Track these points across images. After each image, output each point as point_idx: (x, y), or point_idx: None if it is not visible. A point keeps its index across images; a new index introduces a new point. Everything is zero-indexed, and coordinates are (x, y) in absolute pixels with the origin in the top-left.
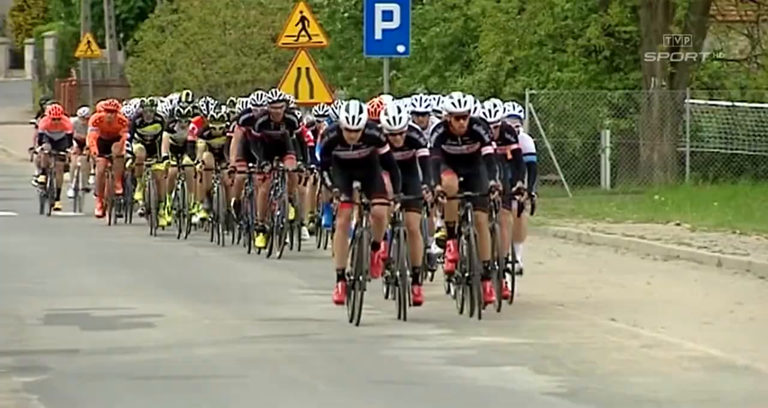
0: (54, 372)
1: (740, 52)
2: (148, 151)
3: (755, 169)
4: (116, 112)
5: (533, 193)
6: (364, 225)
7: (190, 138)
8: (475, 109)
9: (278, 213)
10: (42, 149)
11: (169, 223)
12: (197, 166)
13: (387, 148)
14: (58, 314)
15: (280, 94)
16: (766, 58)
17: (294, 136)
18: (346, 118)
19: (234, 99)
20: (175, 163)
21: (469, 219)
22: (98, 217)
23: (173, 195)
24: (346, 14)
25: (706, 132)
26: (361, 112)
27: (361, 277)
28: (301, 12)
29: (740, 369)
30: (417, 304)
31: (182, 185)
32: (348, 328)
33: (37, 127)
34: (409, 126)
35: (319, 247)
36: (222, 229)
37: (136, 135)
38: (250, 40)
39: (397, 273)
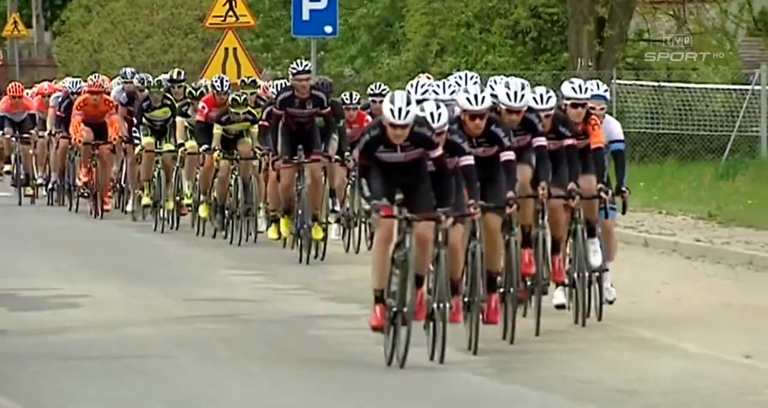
0: None
1: (666, 33)
2: (157, 137)
3: (681, 149)
4: (102, 93)
5: (623, 189)
6: (407, 245)
7: (198, 118)
8: (522, 95)
9: (300, 212)
10: (3, 134)
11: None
12: (215, 155)
13: (440, 151)
14: None
15: (306, 64)
16: (692, 39)
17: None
18: (391, 110)
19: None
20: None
21: (478, 233)
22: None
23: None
24: None
25: (632, 112)
26: (409, 103)
27: (405, 310)
28: None
29: (666, 348)
30: (490, 323)
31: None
32: (276, 308)
33: None
34: (420, 119)
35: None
36: (234, 225)
37: (144, 120)
38: (178, 21)
39: (434, 305)
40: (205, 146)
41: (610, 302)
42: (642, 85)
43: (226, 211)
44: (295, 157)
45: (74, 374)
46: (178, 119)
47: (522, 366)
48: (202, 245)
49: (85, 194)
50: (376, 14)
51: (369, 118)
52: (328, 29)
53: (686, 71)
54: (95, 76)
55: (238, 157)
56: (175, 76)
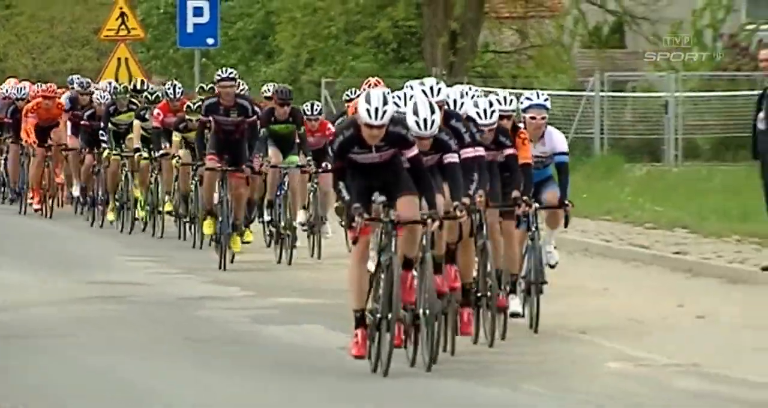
0: None
1: (511, 45)
2: (120, 140)
3: None
4: (55, 98)
5: (567, 202)
6: (393, 248)
7: (155, 124)
8: (462, 103)
9: (220, 219)
10: None
11: (141, 219)
12: (174, 161)
13: (416, 150)
14: None
15: (231, 71)
16: (533, 50)
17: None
18: (367, 110)
19: (206, 86)
20: (147, 155)
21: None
22: (36, 210)
23: (147, 190)
24: (161, 10)
25: None
26: (386, 103)
27: (390, 316)
28: (120, 8)
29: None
30: (464, 334)
31: (156, 179)
32: (165, 291)
33: None
34: (395, 119)
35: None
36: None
37: (110, 124)
38: (75, 33)
39: (420, 311)
40: (162, 152)
41: (552, 266)
42: (491, 92)
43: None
44: (218, 166)
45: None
46: (135, 122)
47: (504, 368)
48: (100, 234)
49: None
50: (252, 27)
51: (330, 127)
52: (210, 41)
53: (529, 79)
54: (45, 84)
55: (198, 163)
56: (138, 86)
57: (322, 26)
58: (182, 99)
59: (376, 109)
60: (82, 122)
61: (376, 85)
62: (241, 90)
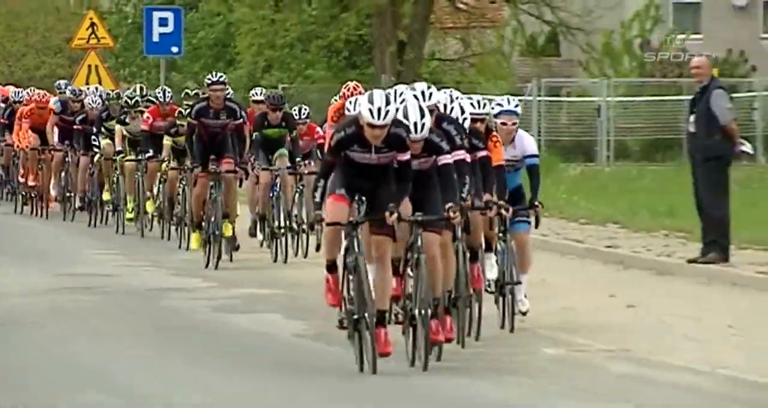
0: None
1: (454, 53)
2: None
3: None
4: (46, 106)
5: (536, 203)
6: (356, 249)
7: (143, 127)
8: (452, 108)
9: (213, 219)
10: None
11: (131, 220)
12: (164, 166)
13: (409, 155)
14: None
15: (221, 75)
16: (476, 58)
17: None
18: (370, 110)
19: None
20: (132, 157)
21: (419, 244)
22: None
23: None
24: (129, 20)
25: None
26: (388, 103)
27: (366, 315)
28: (91, 19)
29: None
30: (435, 343)
31: (141, 180)
32: (132, 283)
33: None
34: (397, 121)
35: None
36: (188, 229)
37: (102, 129)
38: (49, 42)
39: (416, 311)
40: (149, 154)
41: (524, 313)
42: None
43: (174, 218)
44: (211, 167)
45: None
46: (117, 127)
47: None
48: (74, 230)
49: (32, 195)
50: (213, 37)
51: (319, 130)
52: (175, 49)
53: (472, 85)
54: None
55: (186, 166)
56: (138, 92)
57: (279, 36)
58: (172, 104)
59: (379, 109)
60: (75, 127)
61: (355, 89)
62: (228, 94)
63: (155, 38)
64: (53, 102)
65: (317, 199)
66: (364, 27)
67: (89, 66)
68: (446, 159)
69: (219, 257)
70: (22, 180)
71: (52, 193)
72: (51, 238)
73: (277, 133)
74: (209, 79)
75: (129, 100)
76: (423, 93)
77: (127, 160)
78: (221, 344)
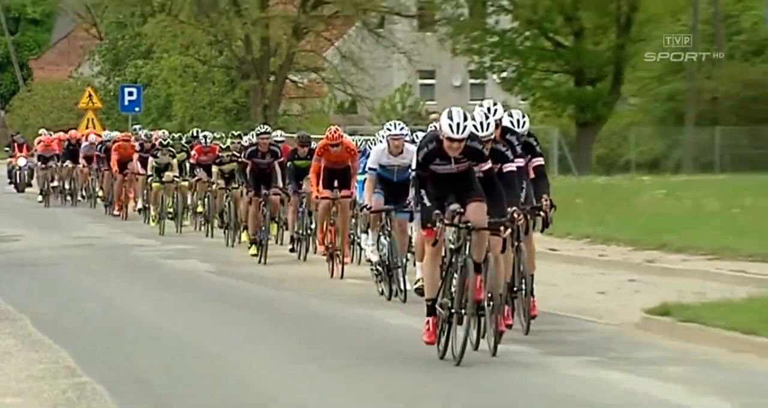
0: None
1: (297, 111)
2: (162, 171)
3: None
4: (129, 141)
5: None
6: (466, 252)
7: (191, 161)
8: (499, 124)
9: (263, 228)
10: (63, 164)
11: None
12: (214, 186)
13: (490, 164)
14: None
15: (266, 129)
16: (309, 114)
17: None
18: (450, 126)
19: (235, 132)
20: (158, 179)
21: (467, 250)
22: (116, 215)
23: (159, 203)
24: (111, 93)
25: None
26: (466, 119)
27: (463, 311)
28: (89, 92)
29: None
30: (502, 332)
31: (172, 196)
32: (115, 242)
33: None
34: (472, 135)
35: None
36: (232, 232)
37: (153, 162)
38: (66, 104)
39: (485, 302)
40: (197, 179)
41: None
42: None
43: (215, 220)
44: (263, 192)
45: (17, 273)
46: (150, 159)
47: (234, 270)
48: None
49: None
50: (158, 102)
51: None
52: (137, 109)
53: (307, 130)
54: (128, 130)
55: (231, 187)
56: (177, 136)
57: (196, 103)
58: (212, 145)
59: (458, 124)
60: (150, 160)
61: (336, 131)
62: (273, 140)
63: (126, 102)
64: (135, 142)
65: (426, 204)
66: (245, 97)
67: (88, 119)
68: (511, 167)
69: (266, 255)
70: (100, 192)
71: (139, 203)
72: (78, 221)
73: (304, 164)
74: (258, 130)
75: (163, 141)
76: (489, 109)
77: (156, 182)
78: (161, 274)
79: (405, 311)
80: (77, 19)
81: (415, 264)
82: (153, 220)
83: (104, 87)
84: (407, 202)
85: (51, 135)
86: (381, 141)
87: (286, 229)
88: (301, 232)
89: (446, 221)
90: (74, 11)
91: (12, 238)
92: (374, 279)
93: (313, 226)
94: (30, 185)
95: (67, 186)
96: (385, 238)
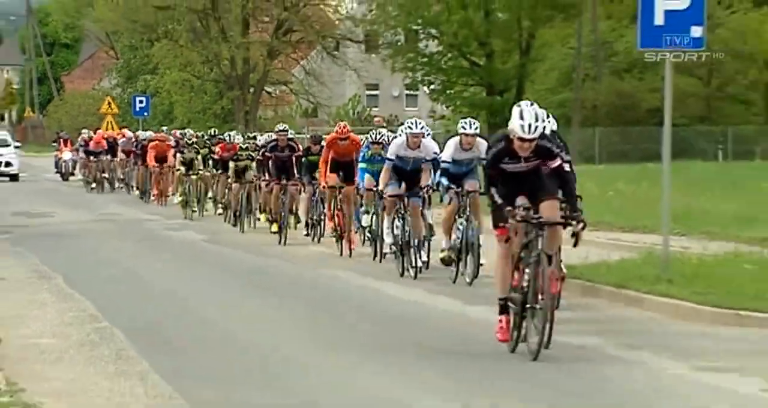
0: (22, 234)
1: (271, 117)
2: (190, 165)
3: None
4: (166, 141)
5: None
6: (540, 245)
7: (216, 156)
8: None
9: (282, 213)
10: (111, 159)
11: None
12: (229, 179)
13: (559, 161)
14: (29, 215)
15: (284, 127)
16: (279, 118)
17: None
18: (521, 126)
19: (258, 134)
20: (185, 171)
21: (540, 244)
22: (153, 201)
23: (182, 190)
24: (126, 101)
25: None
26: (537, 119)
27: (537, 305)
28: (108, 100)
29: None
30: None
31: (191, 186)
32: (130, 217)
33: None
34: (542, 134)
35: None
36: (242, 216)
37: (180, 156)
38: (90, 110)
39: (538, 304)
40: (221, 172)
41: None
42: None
43: (236, 210)
44: (282, 181)
45: (52, 241)
46: (178, 155)
47: (227, 238)
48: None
49: (143, 190)
50: (163, 108)
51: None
52: (146, 114)
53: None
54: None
55: (245, 180)
56: (207, 135)
57: (194, 108)
58: (234, 144)
59: (530, 125)
60: (177, 155)
61: (344, 127)
62: (290, 136)
63: (137, 108)
64: (172, 140)
65: (498, 201)
66: (230, 105)
67: (107, 121)
68: (566, 166)
69: (285, 238)
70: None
71: (177, 197)
72: (105, 202)
73: (316, 158)
74: (278, 128)
75: (188, 140)
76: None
77: (184, 175)
78: (162, 243)
79: (407, 285)
80: (99, 44)
81: (423, 242)
82: (182, 205)
83: (120, 96)
84: (420, 187)
85: (93, 134)
86: (400, 135)
87: (299, 221)
88: (314, 217)
89: (518, 218)
90: (96, 37)
91: (48, 215)
92: (393, 257)
93: (325, 211)
94: (73, 174)
95: (106, 175)
96: (399, 221)
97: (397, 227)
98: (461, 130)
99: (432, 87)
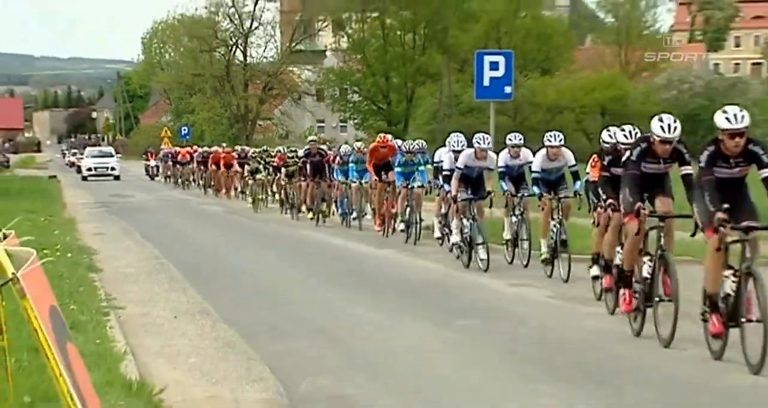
0: (116, 207)
1: (267, 129)
2: (254, 172)
3: None
4: (230, 153)
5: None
6: (662, 244)
7: (275, 164)
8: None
9: (316, 204)
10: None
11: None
12: (282, 181)
13: (690, 169)
14: (120, 196)
15: (314, 137)
16: (269, 132)
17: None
18: (661, 127)
19: (294, 148)
20: (254, 176)
21: (748, 254)
22: (218, 197)
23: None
24: (175, 129)
25: None
26: (676, 121)
27: (657, 299)
28: (166, 129)
29: None
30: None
31: (257, 186)
32: (177, 198)
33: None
34: (680, 139)
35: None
36: (295, 210)
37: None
38: (155, 134)
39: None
40: (279, 176)
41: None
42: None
43: (288, 203)
44: (317, 180)
45: (129, 212)
46: (245, 166)
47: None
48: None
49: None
50: (197, 132)
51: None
52: (188, 137)
53: (274, 143)
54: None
55: (293, 181)
56: (263, 150)
57: (216, 133)
58: (283, 155)
59: (669, 125)
60: (245, 167)
61: (384, 137)
62: (321, 146)
63: (182, 134)
64: (235, 154)
65: (711, 208)
66: (237, 132)
67: (165, 141)
68: (688, 170)
69: (318, 221)
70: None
71: (239, 189)
72: (169, 191)
73: (345, 167)
74: (310, 139)
75: (253, 154)
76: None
77: (256, 179)
78: (201, 215)
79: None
80: (160, 95)
81: (510, 242)
82: (250, 202)
83: (172, 127)
84: (486, 192)
85: (176, 150)
86: (454, 146)
87: (333, 205)
88: (346, 210)
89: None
90: (158, 92)
91: (130, 196)
92: (456, 253)
93: (353, 206)
94: (157, 175)
95: (187, 178)
96: (468, 221)
97: (465, 227)
98: (547, 143)
99: (355, 121)
